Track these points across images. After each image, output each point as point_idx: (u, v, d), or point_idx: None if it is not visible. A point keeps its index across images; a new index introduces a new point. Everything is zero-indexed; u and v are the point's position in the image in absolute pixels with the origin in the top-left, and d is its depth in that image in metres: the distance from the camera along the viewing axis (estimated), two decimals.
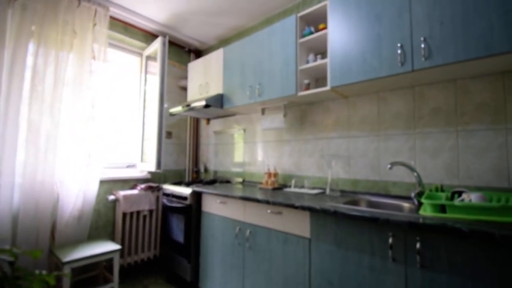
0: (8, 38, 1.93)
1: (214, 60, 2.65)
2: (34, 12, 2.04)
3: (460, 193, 1.27)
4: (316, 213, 1.43)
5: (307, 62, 1.92)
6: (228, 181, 2.76)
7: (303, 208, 1.45)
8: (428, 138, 1.58)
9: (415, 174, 1.45)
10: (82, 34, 2.29)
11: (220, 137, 3.04)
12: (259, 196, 1.77)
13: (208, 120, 3.21)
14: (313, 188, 2.04)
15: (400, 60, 1.39)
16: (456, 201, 1.11)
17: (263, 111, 2.30)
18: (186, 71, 3.15)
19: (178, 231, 2.37)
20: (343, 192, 1.87)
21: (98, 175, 2.37)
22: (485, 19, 1.17)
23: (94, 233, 2.45)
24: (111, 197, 2.53)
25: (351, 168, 1.88)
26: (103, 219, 2.53)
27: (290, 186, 2.15)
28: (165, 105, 2.67)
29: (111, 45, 2.72)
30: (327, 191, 1.82)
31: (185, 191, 2.31)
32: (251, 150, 2.68)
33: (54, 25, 2.14)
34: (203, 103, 2.32)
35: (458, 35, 1.24)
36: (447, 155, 1.51)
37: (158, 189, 2.74)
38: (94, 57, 2.36)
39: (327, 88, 1.72)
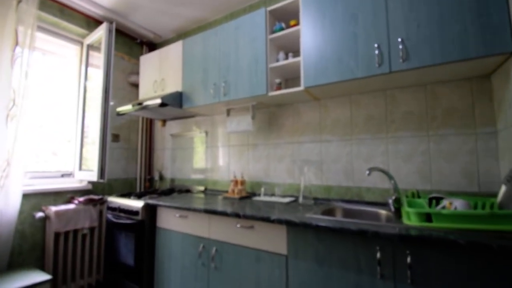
0: None
1: (172, 54, 2.33)
2: None
3: (437, 199, 1.22)
4: (295, 227, 1.25)
5: (277, 60, 1.76)
6: (188, 190, 2.44)
7: (279, 221, 1.26)
8: (400, 142, 1.54)
9: (392, 181, 1.37)
10: (1, 11, 1.77)
11: (178, 141, 2.70)
12: (226, 207, 1.53)
13: (164, 122, 2.83)
14: (284, 196, 1.87)
15: (378, 61, 1.31)
16: (443, 210, 1.03)
17: (228, 112, 2.07)
18: (137, 65, 2.74)
19: (127, 252, 1.97)
20: (316, 199, 1.73)
21: (19, 188, 1.84)
22: (460, 22, 1.14)
23: (18, 260, 1.90)
24: (39, 214, 2.00)
25: (323, 174, 1.76)
26: (29, 242, 1.98)
27: (259, 195, 1.94)
28: (111, 103, 2.24)
29: (42, 29, 2.19)
30: (300, 199, 1.67)
31: (136, 204, 1.93)
32: (213, 155, 2.41)
33: None
34: (159, 101, 1.99)
35: (434, 37, 1.19)
36: (420, 159, 1.47)
37: (102, 202, 2.27)
38: (17, 42, 1.84)
39: (301, 88, 1.57)
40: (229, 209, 1.48)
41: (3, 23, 1.79)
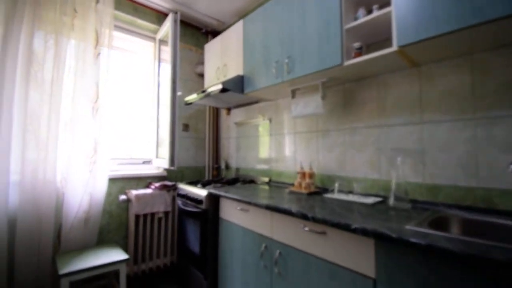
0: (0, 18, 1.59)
1: (233, 37, 2.13)
2: None
3: None
4: (388, 243, 0.86)
5: (356, 19, 1.32)
6: (252, 181, 2.25)
7: (364, 232, 0.89)
8: None
9: None
10: (83, 13, 1.90)
11: (242, 129, 2.53)
12: (291, 205, 1.23)
13: (229, 110, 2.71)
14: (366, 195, 1.45)
15: None
16: None
17: (293, 94, 1.74)
18: (203, 55, 2.67)
19: (194, 239, 1.92)
20: (414, 202, 1.25)
21: (105, 173, 1.99)
22: None
23: (107, 237, 2.10)
24: (122, 197, 2.16)
25: (427, 168, 1.25)
26: (116, 221, 2.17)
27: (332, 191, 1.57)
28: (179, 93, 2.21)
29: (120, 28, 2.31)
30: (391, 201, 1.22)
31: (200, 192, 1.85)
32: (278, 143, 2.13)
33: (51, 3, 1.76)
34: (220, 86, 1.82)
35: None
36: None
37: (174, 188, 2.31)
38: (98, 41, 1.96)
39: (392, 49, 1.11)
40: (294, 208, 1.18)
41: (86, 24, 1.91)
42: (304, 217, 1.10)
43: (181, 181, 2.50)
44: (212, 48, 2.40)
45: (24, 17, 1.66)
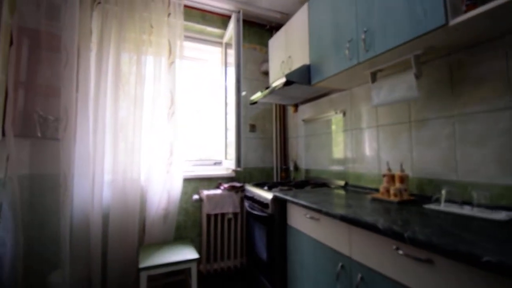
0: (94, 41, 1.88)
1: (297, 24, 1.93)
2: (114, 14, 1.93)
3: None
4: None
5: None
6: (324, 184, 1.98)
7: (508, 271, 0.55)
8: None
9: None
10: (158, 28, 2.07)
11: (311, 127, 2.28)
12: (377, 218, 0.94)
13: (296, 107, 2.51)
14: (494, 207, 0.99)
15: None
16: None
17: (373, 77, 1.40)
18: (267, 53, 2.56)
19: (261, 245, 1.80)
20: None
21: (181, 173, 2.11)
22: None
23: (183, 233, 2.22)
24: (195, 197, 2.25)
25: None
26: (191, 219, 2.28)
27: (436, 200, 1.15)
28: (243, 93, 2.16)
29: (190, 38, 2.44)
30: None
31: (266, 195, 1.71)
32: (355, 140, 1.80)
33: (132, 24, 1.98)
34: (283, 80, 1.65)
35: None
36: None
37: (242, 189, 2.27)
38: (170, 51, 2.11)
39: None
40: (382, 222, 0.89)
41: (160, 38, 2.07)
42: (397, 236, 0.80)
43: (249, 182, 2.44)
44: (276, 42, 2.26)
45: (111, 40, 1.91)
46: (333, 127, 2.01)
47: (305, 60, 1.78)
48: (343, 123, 1.91)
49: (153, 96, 2.03)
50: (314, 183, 2.03)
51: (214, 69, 2.66)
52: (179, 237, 2.18)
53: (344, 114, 1.89)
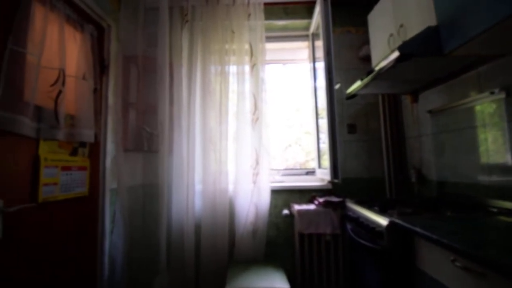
0: (184, 57, 1.98)
1: None
2: (199, 29, 1.99)
3: None
4: None
5: None
6: (475, 206, 1.27)
7: None
8: None
9: None
10: (239, 32, 1.99)
11: (444, 120, 1.58)
12: None
13: (415, 95, 1.84)
14: None
15: None
16: None
17: None
18: (366, 33, 2.03)
19: (372, 284, 1.31)
20: None
21: (268, 184, 1.90)
22: None
23: (275, 251, 1.98)
24: (285, 212, 1.98)
25: None
26: (283, 236, 2.02)
27: None
28: (337, 86, 1.75)
29: (271, 38, 2.25)
30: None
31: (377, 220, 1.22)
32: None
33: (215, 35, 1.98)
34: (395, 55, 1.16)
35: None
36: None
37: (342, 206, 1.82)
38: (252, 54, 1.98)
39: None
40: None
41: (241, 44, 1.98)
42: None
43: (351, 197, 1.95)
44: (379, 13, 1.74)
45: (198, 54, 1.96)
46: (484, 116, 1.29)
47: (428, 21, 1.21)
48: (503, 108, 1.18)
49: (237, 104, 1.94)
50: (455, 203, 1.35)
51: (300, 68, 2.36)
52: (270, 254, 1.95)
53: (509, 93, 1.16)
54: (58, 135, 1.25)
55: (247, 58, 1.97)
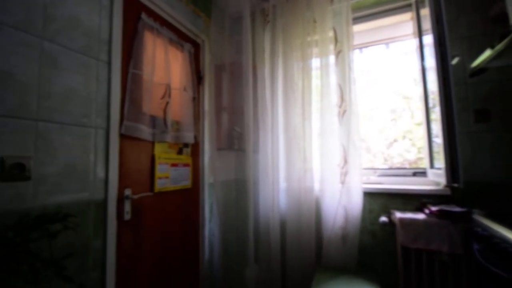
0: (266, 57, 2.03)
1: None
2: (280, 26, 1.98)
3: None
4: None
5: None
6: None
7: None
8: None
9: None
10: (321, 20, 1.85)
11: None
12: None
13: None
14: None
15: None
16: None
17: None
18: None
19: None
20: None
21: (360, 185, 1.69)
22: None
23: (370, 261, 1.74)
24: (382, 219, 1.70)
25: None
26: (380, 246, 1.75)
27: None
28: (454, 60, 1.34)
29: (361, 18, 1.97)
30: None
31: None
32: None
33: (296, 29, 1.92)
34: None
35: None
36: None
37: (466, 219, 1.38)
38: (336, 41, 1.81)
39: None
40: None
41: (324, 32, 1.83)
42: None
43: (480, 207, 1.45)
44: None
45: (279, 52, 1.96)
46: None
47: None
48: None
49: (321, 98, 1.82)
50: None
51: (400, 49, 1.96)
52: (363, 264, 1.72)
53: None
54: (167, 138, 1.54)
55: (331, 47, 1.81)
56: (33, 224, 0.66)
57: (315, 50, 1.89)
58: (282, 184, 1.88)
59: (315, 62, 1.87)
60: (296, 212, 1.82)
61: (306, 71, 1.86)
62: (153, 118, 1.47)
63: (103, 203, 1.18)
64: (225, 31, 2.03)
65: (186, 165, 1.75)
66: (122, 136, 1.28)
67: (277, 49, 1.98)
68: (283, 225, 1.85)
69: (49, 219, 0.66)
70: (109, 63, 1.21)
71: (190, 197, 1.79)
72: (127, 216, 1.30)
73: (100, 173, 1.18)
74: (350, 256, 1.68)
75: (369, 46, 2.11)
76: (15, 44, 0.92)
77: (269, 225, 1.85)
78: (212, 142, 1.91)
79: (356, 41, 1.86)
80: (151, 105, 1.41)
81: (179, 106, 1.67)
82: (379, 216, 1.73)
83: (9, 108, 0.90)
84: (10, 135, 0.90)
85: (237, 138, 2.15)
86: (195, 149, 1.86)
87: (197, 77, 1.90)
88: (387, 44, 2.09)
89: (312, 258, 1.74)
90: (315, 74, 1.86)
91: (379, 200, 1.77)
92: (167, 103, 1.54)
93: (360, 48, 2.13)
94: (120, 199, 1.25)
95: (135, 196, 1.30)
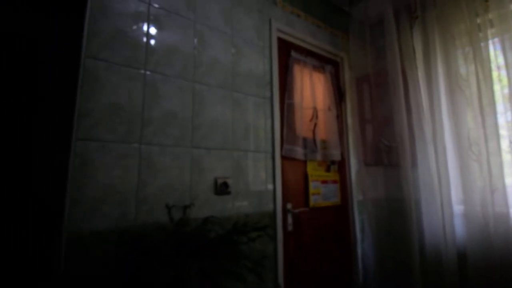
0: (418, 58, 1.78)
1: None
2: (434, 16, 1.70)
3: None
4: None
5: None
6: None
7: None
8: None
9: None
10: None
11: None
12: None
13: None
14: None
15: None
16: None
17: None
18: None
19: None
20: None
21: None
22: None
23: None
24: None
25: None
26: None
27: None
28: None
29: None
30: None
31: None
32: None
33: (458, 13, 1.60)
34: None
35: None
36: None
37: None
38: None
39: None
40: None
41: (502, 3, 1.39)
42: None
43: None
44: None
45: (436, 46, 1.66)
46: None
47: None
48: None
49: (509, 83, 1.37)
50: None
51: None
52: None
53: None
54: (317, 156, 1.66)
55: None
56: (243, 230, 0.90)
57: (490, 31, 1.47)
58: (456, 207, 1.52)
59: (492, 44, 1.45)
60: (481, 245, 1.42)
61: (479, 57, 1.47)
62: (304, 140, 1.63)
63: (273, 214, 1.42)
64: (366, 40, 1.97)
65: (334, 182, 1.79)
66: (283, 158, 1.50)
67: (432, 44, 1.69)
68: (462, 259, 1.48)
69: (255, 228, 0.87)
70: (271, 99, 1.49)
71: (341, 214, 1.80)
72: (290, 228, 1.48)
73: (270, 188, 1.43)
74: None
75: None
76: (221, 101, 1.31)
77: (442, 257, 1.53)
78: (359, 158, 1.86)
79: None
80: (302, 128, 1.58)
81: (325, 126, 1.76)
82: None
83: (218, 141, 1.29)
84: (219, 162, 1.28)
85: (385, 152, 1.97)
86: (342, 165, 1.87)
87: (339, 95, 1.93)
88: None
89: None
90: (493, 58, 1.43)
91: None
92: (315, 124, 1.67)
93: None
94: (284, 212, 1.46)
95: (296, 210, 1.47)
